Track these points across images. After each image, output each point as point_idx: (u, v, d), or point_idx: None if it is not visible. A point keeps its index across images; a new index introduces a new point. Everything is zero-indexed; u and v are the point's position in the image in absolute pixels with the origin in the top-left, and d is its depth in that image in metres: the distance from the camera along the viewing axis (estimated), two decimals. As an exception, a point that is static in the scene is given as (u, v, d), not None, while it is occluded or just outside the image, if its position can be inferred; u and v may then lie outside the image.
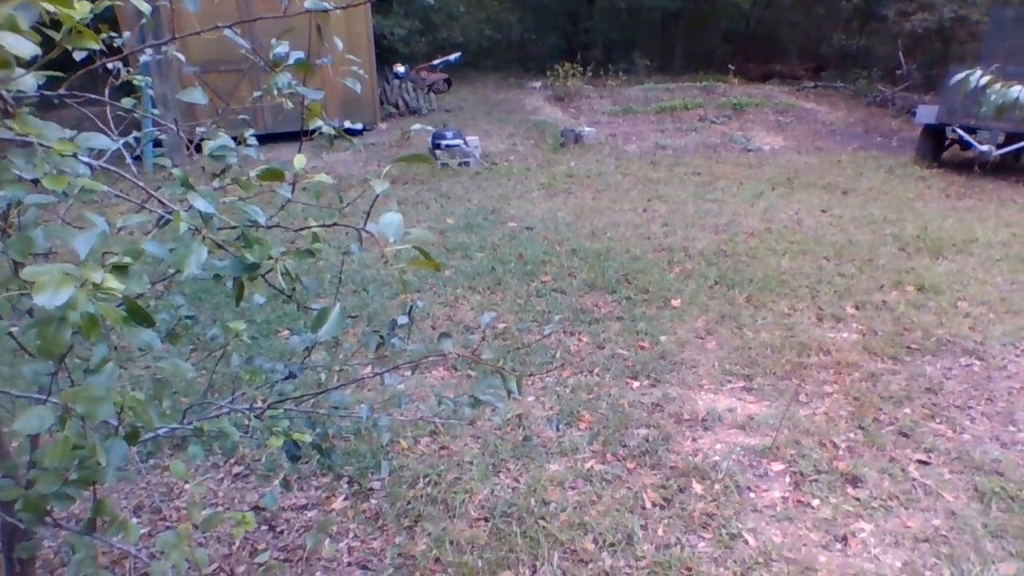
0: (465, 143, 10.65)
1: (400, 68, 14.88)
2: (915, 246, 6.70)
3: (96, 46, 1.10)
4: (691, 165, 10.68)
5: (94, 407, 1.30)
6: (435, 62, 16.33)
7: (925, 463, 3.46)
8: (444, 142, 10.56)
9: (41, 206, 1.43)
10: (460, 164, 10.43)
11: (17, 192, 1.30)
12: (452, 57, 16.42)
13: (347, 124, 2.19)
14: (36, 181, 1.31)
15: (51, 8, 0.98)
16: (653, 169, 10.38)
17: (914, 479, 3.33)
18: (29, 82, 1.09)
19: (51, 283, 1.03)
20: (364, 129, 12.57)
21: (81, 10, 1.03)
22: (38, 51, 0.96)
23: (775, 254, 6.46)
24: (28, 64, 1.06)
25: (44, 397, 1.74)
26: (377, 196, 1.27)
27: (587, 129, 12.73)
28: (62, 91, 1.53)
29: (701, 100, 15.01)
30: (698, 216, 7.79)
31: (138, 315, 1.17)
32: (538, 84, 17.73)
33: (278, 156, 9.84)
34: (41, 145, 1.14)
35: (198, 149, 2.04)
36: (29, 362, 1.63)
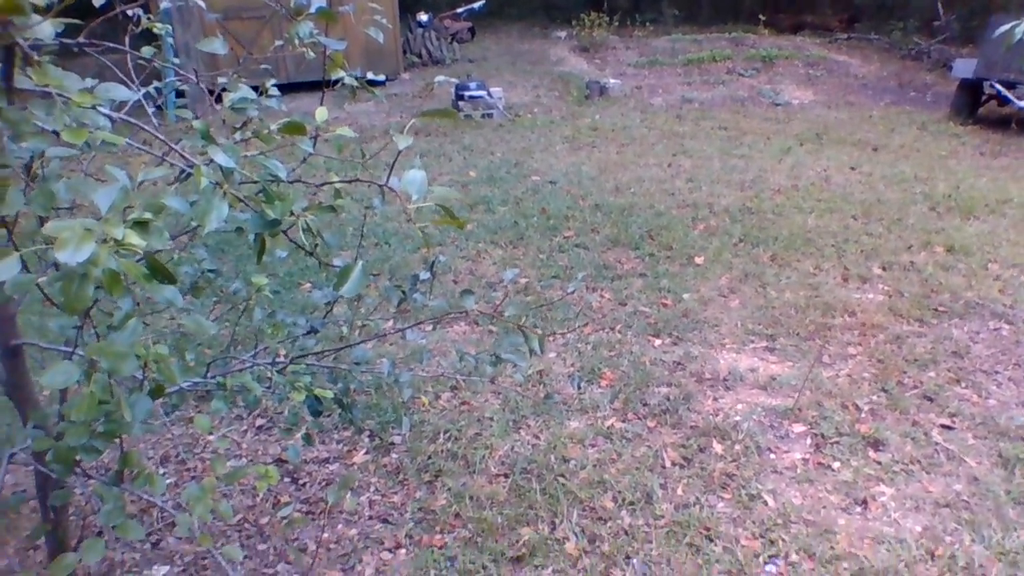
0: (488, 94, 10.52)
1: (423, 16, 14.65)
2: (946, 205, 6.56)
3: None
4: (718, 119, 10.49)
5: (118, 362, 1.30)
6: (459, 10, 16.06)
7: (949, 428, 3.43)
8: (467, 93, 10.43)
9: (64, 158, 1.41)
10: (483, 116, 10.32)
11: (39, 144, 1.28)
12: (476, 5, 16.14)
13: (370, 75, 2.15)
14: (58, 132, 1.29)
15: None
16: (679, 123, 10.21)
17: (937, 444, 3.30)
18: (47, 30, 1.06)
19: (72, 239, 1.02)
20: (386, 79, 12.44)
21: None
22: None
23: (801, 212, 6.35)
24: (45, 11, 1.03)
25: (70, 350, 1.75)
26: (400, 152, 1.24)
27: (612, 81, 12.51)
28: (81, 39, 1.50)
29: (729, 52, 14.68)
30: (724, 172, 7.67)
31: (159, 271, 1.16)
32: (563, 34, 17.41)
33: (299, 106, 9.80)
34: (61, 96, 1.11)
35: (219, 99, 2.01)
36: (56, 315, 1.64)
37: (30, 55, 1.06)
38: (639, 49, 15.57)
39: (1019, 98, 9.54)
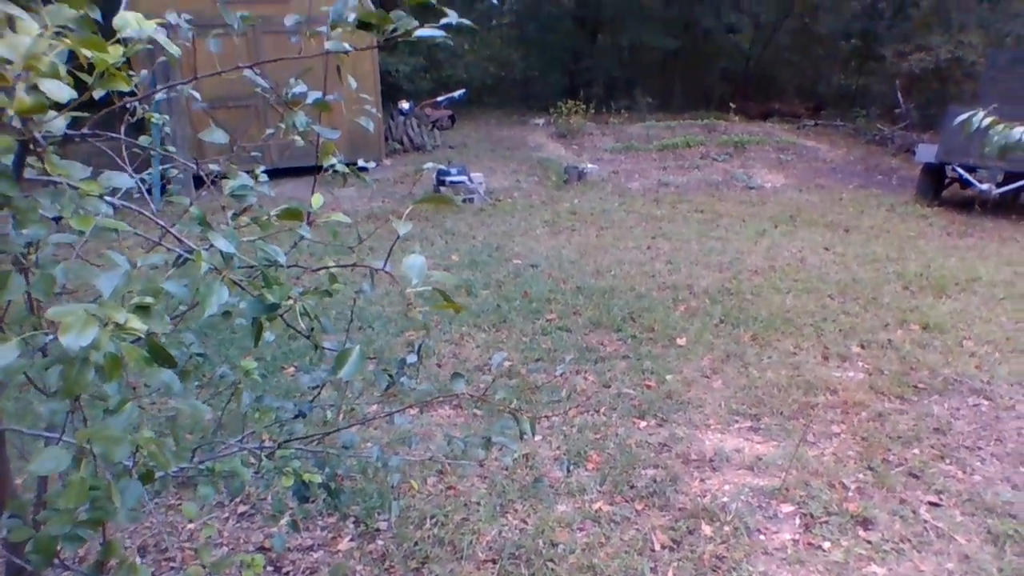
0: (469, 180, 10.72)
1: (405, 105, 15.02)
2: (918, 284, 6.71)
3: (127, 87, 1.12)
4: (694, 202, 10.73)
5: (111, 447, 1.29)
6: (439, 99, 16.49)
7: (936, 505, 3.43)
8: (448, 179, 10.62)
9: (56, 244, 1.44)
10: (464, 200, 10.48)
11: (40, 231, 1.31)
12: (456, 94, 16.59)
13: (360, 163, 2.21)
14: (57, 219, 1.32)
15: (87, 52, 0.99)
16: (656, 206, 10.43)
17: (926, 521, 3.30)
18: (59, 124, 1.10)
19: (76, 324, 1.03)
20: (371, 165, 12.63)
21: (115, 54, 1.05)
22: (74, 95, 0.97)
23: (779, 292, 6.46)
24: (60, 106, 1.07)
25: (55, 435, 1.73)
26: (399, 237, 1.28)
27: (590, 166, 12.81)
28: (85, 130, 1.55)
29: (702, 138, 15.13)
30: (702, 254, 7.81)
31: (159, 355, 1.17)
32: (541, 121, 17.89)
33: (284, 191, 9.92)
34: (68, 185, 1.14)
35: (212, 183, 2.06)
36: (44, 400, 1.62)
37: (41, 147, 1.10)
38: (615, 135, 16.01)
39: (980, 181, 9.89)
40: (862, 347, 5.26)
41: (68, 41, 0.96)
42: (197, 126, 10.71)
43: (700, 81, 23.88)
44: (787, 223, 9.42)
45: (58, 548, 1.63)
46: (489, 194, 10.90)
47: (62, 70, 0.96)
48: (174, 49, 1.20)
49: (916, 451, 3.88)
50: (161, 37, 1.12)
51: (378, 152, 13.04)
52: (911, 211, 10.27)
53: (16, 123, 1.05)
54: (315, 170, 1.99)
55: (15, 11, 0.92)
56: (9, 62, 0.89)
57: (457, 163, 11.70)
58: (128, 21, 1.06)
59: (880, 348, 5.23)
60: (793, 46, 23.68)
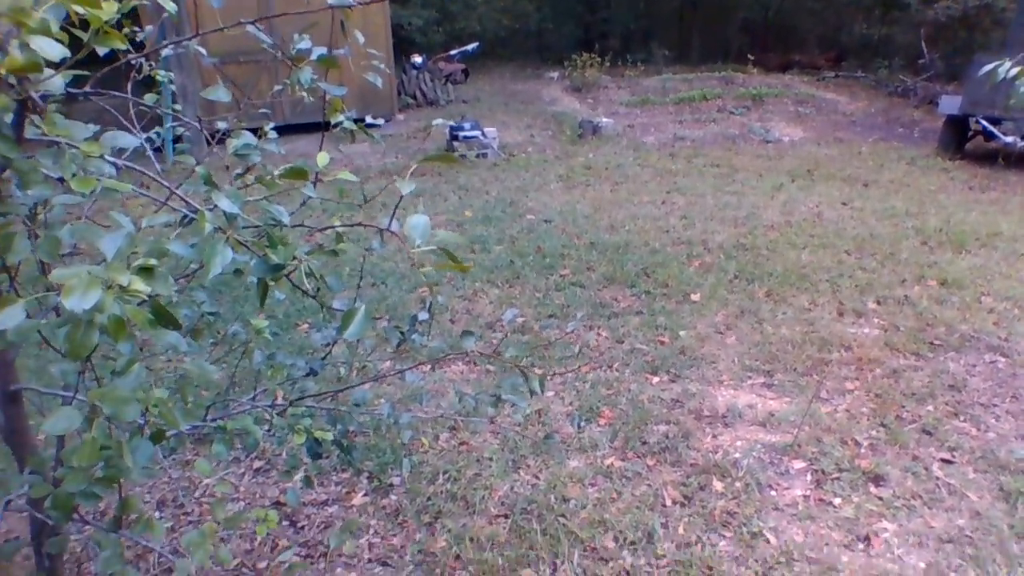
0: (483, 134, 10.62)
1: (417, 59, 14.85)
2: (937, 240, 6.62)
3: (122, 46, 1.09)
4: (710, 157, 10.60)
5: (121, 408, 1.30)
6: (452, 52, 16.28)
7: (949, 462, 3.42)
8: (462, 134, 10.54)
9: (66, 204, 1.43)
10: (478, 156, 10.41)
11: (45, 191, 1.30)
12: (470, 47, 16.37)
13: (368, 119, 2.19)
14: (63, 179, 1.31)
15: (79, 9, 0.97)
16: (672, 161, 10.31)
17: (938, 478, 3.30)
18: (57, 83, 1.08)
19: (79, 286, 1.03)
20: (382, 120, 12.56)
21: (108, 10, 1.02)
22: (67, 53, 0.95)
23: (795, 248, 6.40)
24: (56, 64, 1.06)
25: (71, 395, 1.75)
26: (403, 196, 1.26)
27: (605, 120, 12.65)
28: (87, 88, 1.53)
29: (720, 90, 14.89)
30: (717, 209, 7.73)
31: (164, 317, 1.17)
32: (556, 74, 17.65)
33: (296, 148, 9.88)
34: (69, 145, 1.13)
35: (219, 142, 2.05)
36: (57, 360, 1.64)
37: (40, 106, 1.08)
38: (631, 88, 15.79)
39: (1005, 134, 9.68)
40: (878, 303, 5.21)
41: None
42: (207, 82, 10.65)
43: (718, 33, 23.42)
44: (804, 177, 9.30)
45: (76, 504, 1.66)
46: (503, 149, 10.81)
47: (54, 26, 0.94)
48: (171, 6, 1.17)
49: (930, 408, 3.87)
50: (156, -8, 1.09)
51: (390, 107, 12.93)
52: (932, 164, 10.09)
53: (12, 81, 1.04)
54: (324, 128, 1.97)
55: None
56: (-2, 19, 0.87)
57: (470, 117, 11.59)
58: (122, -25, 1.03)
59: (896, 304, 5.18)
60: (814, -6, 23.12)
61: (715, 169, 9.78)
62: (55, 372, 1.67)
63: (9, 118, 1.11)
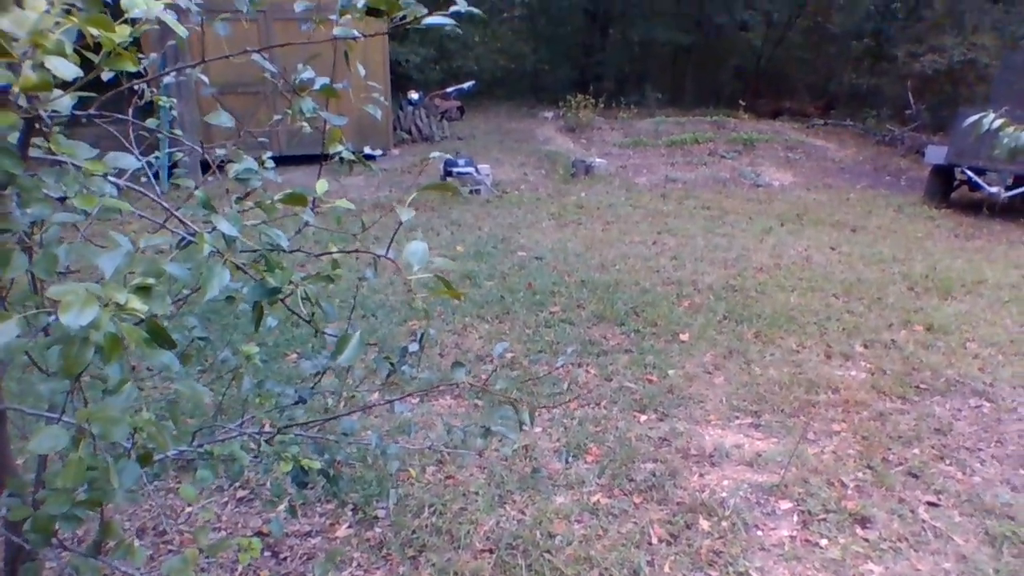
0: (476, 171, 10.71)
1: (414, 95, 15.01)
2: (924, 285, 6.69)
3: (134, 68, 1.12)
4: (701, 199, 10.71)
5: (110, 428, 1.30)
6: (449, 90, 16.47)
7: (935, 505, 3.42)
8: (456, 169, 10.61)
9: (62, 224, 1.44)
10: (471, 192, 10.48)
11: (44, 210, 1.31)
12: (466, 85, 16.57)
13: (366, 150, 2.22)
14: (61, 199, 1.32)
15: (94, 31, 1.00)
16: (663, 202, 10.41)
17: (924, 521, 3.30)
18: (66, 102, 1.10)
19: (76, 303, 1.04)
20: (378, 154, 12.65)
21: (122, 33, 1.05)
22: (80, 73, 0.97)
23: (784, 290, 6.45)
24: (65, 85, 1.08)
25: (56, 415, 1.74)
26: (401, 223, 1.28)
27: (598, 160, 12.78)
28: (91, 111, 1.55)
29: (711, 134, 15.08)
30: (707, 250, 7.80)
31: (159, 336, 1.17)
32: (550, 114, 17.86)
33: (292, 179, 9.93)
34: (73, 165, 1.15)
35: (219, 168, 2.07)
36: (44, 380, 1.63)
37: (47, 125, 1.10)
38: (624, 130, 15.97)
39: (989, 184, 9.84)
40: (865, 347, 5.25)
41: (75, 19, 0.96)
42: (206, 111, 10.73)
43: (711, 78, 23.79)
44: (794, 221, 9.40)
45: (56, 528, 1.64)
46: (496, 186, 10.89)
47: (68, 48, 0.96)
48: (182, 31, 1.20)
49: (916, 451, 3.88)
50: (169, 18, 1.12)
51: (386, 141, 13.03)
52: (919, 212, 10.23)
53: (22, 101, 1.05)
54: (323, 158, 2.00)
55: (21, -11, 0.92)
56: (15, 38, 0.89)
57: (465, 154, 11.69)
58: (136, 1, 1.06)
59: (883, 348, 5.22)
60: (805, 44, 23.56)
61: (706, 211, 9.87)
62: (43, 390, 1.67)
63: (16, 136, 1.13)
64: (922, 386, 4.63)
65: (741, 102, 17.98)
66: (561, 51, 23.48)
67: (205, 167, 2.27)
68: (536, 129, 16.23)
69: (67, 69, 0.93)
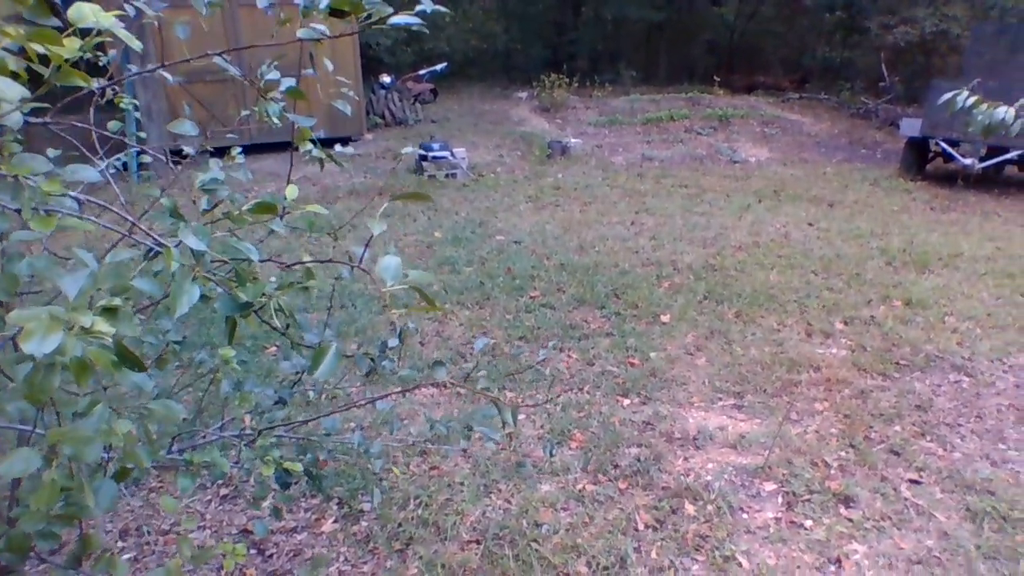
0: (452, 155, 10.63)
1: (386, 78, 14.84)
2: (901, 260, 6.73)
3: (84, 84, 1.07)
4: (678, 177, 10.71)
5: (82, 448, 1.26)
6: (421, 72, 16.31)
7: (917, 482, 3.46)
8: (431, 154, 10.53)
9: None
10: (447, 176, 10.41)
11: (2, 225, 1.26)
12: (438, 67, 16.41)
13: (337, 147, 2.17)
14: (19, 211, 1.27)
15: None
16: (640, 181, 10.40)
17: (906, 499, 3.33)
18: (16, 118, 1.06)
19: (39, 329, 1.00)
20: (350, 139, 12.53)
21: (70, 47, 1.00)
22: (26, 93, 0.93)
23: (763, 268, 6.47)
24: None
25: (28, 428, 1.70)
26: (372, 236, 1.25)
27: (573, 140, 12.74)
28: (47, 118, 1.50)
29: (687, 111, 15.07)
30: (686, 229, 7.80)
31: (128, 359, 1.13)
32: (524, 94, 17.75)
33: (263, 167, 9.81)
34: (29, 182, 1.10)
35: (183, 157, 2.03)
36: (14, 397, 1.59)
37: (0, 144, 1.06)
38: (599, 109, 15.92)
39: (963, 155, 9.91)
40: (845, 323, 5.28)
41: (13, 34, 0.91)
42: (173, 100, 10.55)
43: (685, 54, 23.74)
44: (771, 198, 9.43)
45: (32, 545, 1.61)
46: (472, 169, 10.82)
47: (11, 63, 0.91)
48: (135, 44, 1.15)
49: (898, 428, 3.91)
50: (120, 31, 1.07)
51: (359, 127, 12.89)
52: (895, 185, 10.29)
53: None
54: (293, 151, 1.95)
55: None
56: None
57: (440, 138, 11.60)
58: (84, 13, 1.01)
59: (863, 324, 5.25)
60: (778, 18, 23.54)
61: (683, 190, 9.88)
62: (12, 409, 1.62)
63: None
64: (902, 362, 4.67)
65: (715, 78, 17.97)
66: (533, 30, 23.28)
67: (176, 151, 2.22)
68: (510, 110, 16.13)
69: (10, 90, 0.88)
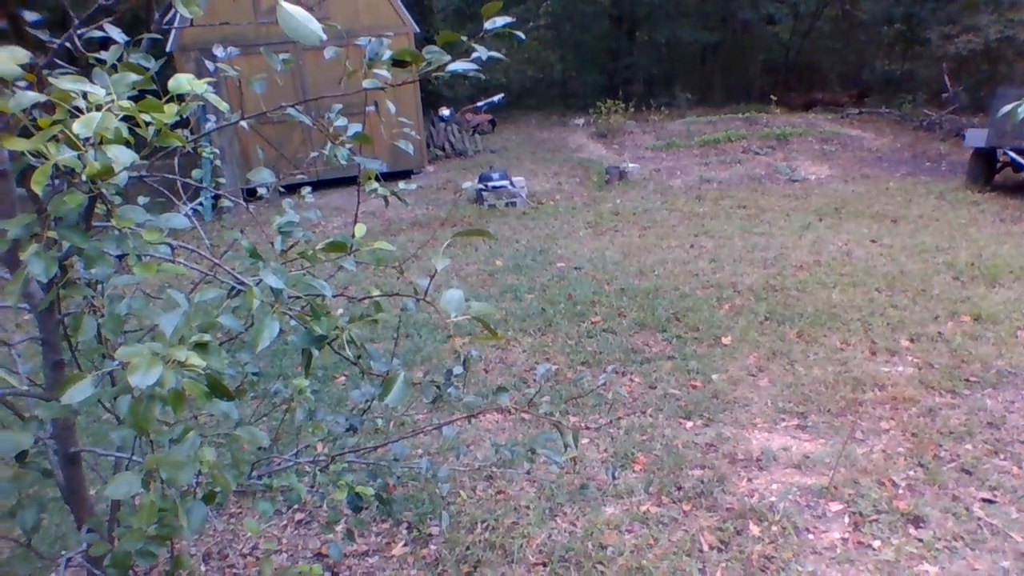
0: (511, 183, 10.79)
1: (445, 111, 15.19)
2: (970, 274, 6.58)
3: (180, 144, 1.21)
4: (736, 198, 10.65)
5: (177, 473, 1.39)
6: (479, 104, 16.63)
7: (990, 501, 3.39)
8: (491, 183, 10.71)
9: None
10: (507, 204, 10.57)
11: (106, 270, 1.41)
12: (495, 98, 16.72)
13: (401, 184, 2.30)
14: (120, 256, 1.42)
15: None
16: (699, 204, 10.38)
17: (979, 519, 3.27)
18: (123, 178, 1.20)
19: (143, 364, 1.13)
20: (412, 172, 12.84)
21: (169, 113, 1.14)
22: (135, 157, 1.07)
23: (825, 287, 6.40)
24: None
25: (126, 455, 1.85)
26: (436, 271, 1.35)
27: (631, 165, 12.79)
28: (143, 172, 1.66)
29: (744, 132, 14.99)
30: (745, 250, 7.76)
31: (218, 389, 1.26)
32: (581, 121, 17.91)
33: (330, 202, 10.13)
34: (133, 233, 1.24)
35: (257, 198, 2.17)
36: (115, 428, 1.74)
37: (110, 203, 1.20)
38: (655, 133, 15.95)
39: (1034, 165, 9.61)
40: (911, 341, 5.19)
41: (129, 108, 1.05)
42: (244, 142, 11.01)
43: (740, 74, 23.60)
44: (832, 215, 9.30)
45: (133, 562, 1.75)
46: (531, 197, 10.97)
47: (124, 132, 1.05)
48: (223, 106, 1.29)
49: (968, 447, 3.84)
50: (211, 96, 1.21)
51: (420, 160, 13.21)
52: (961, 198, 10.03)
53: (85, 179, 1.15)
54: (359, 188, 2.08)
55: (88, 87, 1.01)
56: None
57: (498, 167, 11.79)
58: (182, 83, 1.15)
59: (930, 341, 5.16)
60: (834, 33, 23.27)
61: (742, 210, 9.82)
62: (114, 438, 1.77)
63: (79, 212, 1.22)
64: (972, 379, 4.58)
65: (772, 97, 17.84)
66: (588, 57, 23.52)
67: (251, 191, 2.39)
68: (568, 137, 16.28)
69: (124, 156, 1.02)
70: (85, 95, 1.01)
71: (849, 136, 14.89)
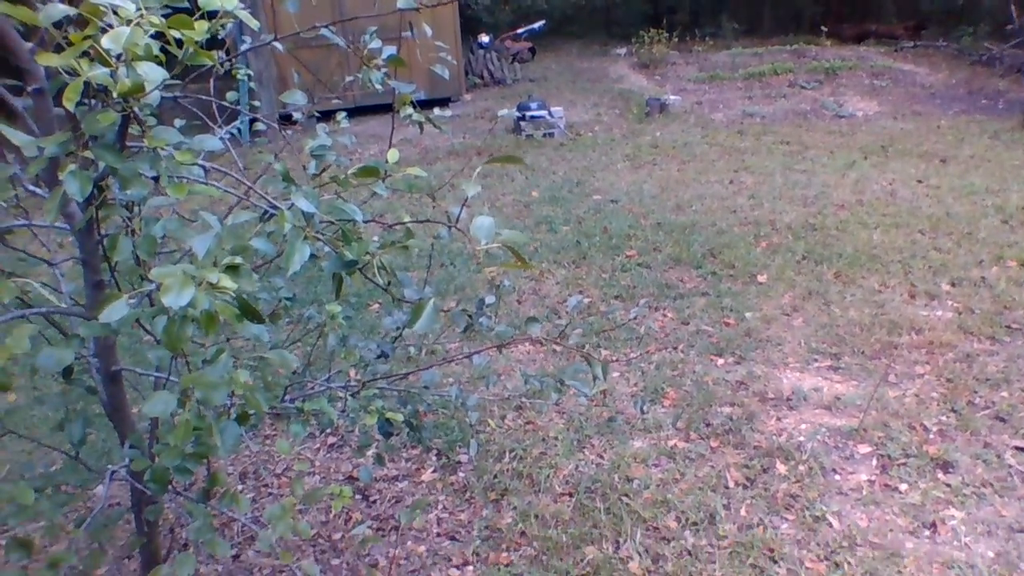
0: (550, 114, 10.61)
1: (484, 38, 14.89)
2: (1019, 218, 6.37)
3: (211, 63, 1.19)
4: (779, 134, 10.37)
5: (211, 392, 1.42)
6: (519, 31, 16.26)
7: (1022, 450, 3.35)
8: (528, 113, 10.53)
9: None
10: (544, 135, 10.41)
11: (141, 191, 1.42)
12: (536, 25, 16.32)
13: (436, 111, 2.27)
14: (155, 178, 1.43)
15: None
16: (740, 139, 10.14)
17: (1010, 466, 3.24)
18: (155, 97, 1.19)
19: (176, 285, 1.13)
20: (449, 100, 12.68)
21: (200, 30, 1.12)
22: (166, 75, 1.05)
23: (866, 228, 6.26)
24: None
25: (164, 376, 1.89)
26: (468, 198, 1.33)
27: (672, 97, 12.49)
28: (177, 93, 1.64)
29: (791, 64, 14.50)
30: (786, 188, 7.60)
31: (249, 311, 1.27)
32: (623, 51, 17.46)
33: (367, 129, 10.09)
34: (165, 153, 1.24)
35: (293, 123, 2.18)
36: (151, 347, 1.78)
37: (142, 121, 1.19)
38: (699, 64, 15.52)
39: (1098, 104, 9.19)
40: (952, 285, 5.08)
41: (157, 23, 1.03)
42: (282, 66, 10.94)
43: (790, 3, 22.68)
44: (878, 154, 9.03)
45: (171, 478, 1.81)
46: (569, 128, 10.79)
47: (154, 49, 1.03)
48: (254, 23, 1.27)
49: (1004, 394, 3.78)
50: (243, 13, 1.19)
51: (458, 87, 13.03)
52: (1017, 139, 9.66)
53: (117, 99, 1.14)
54: (394, 115, 2.05)
55: (117, 1, 1.00)
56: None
57: (537, 97, 11.58)
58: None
59: (972, 286, 5.04)
60: (893, -40, 22.18)
61: (784, 147, 9.58)
62: (151, 357, 1.81)
63: (114, 131, 1.22)
64: (1014, 326, 4.48)
65: (823, 28, 17.16)
66: (633, -17, 22.77)
67: (286, 116, 2.38)
68: (609, 67, 15.92)
69: (155, 73, 1.00)
70: (115, 10, 1.00)
71: (902, 71, 14.34)
